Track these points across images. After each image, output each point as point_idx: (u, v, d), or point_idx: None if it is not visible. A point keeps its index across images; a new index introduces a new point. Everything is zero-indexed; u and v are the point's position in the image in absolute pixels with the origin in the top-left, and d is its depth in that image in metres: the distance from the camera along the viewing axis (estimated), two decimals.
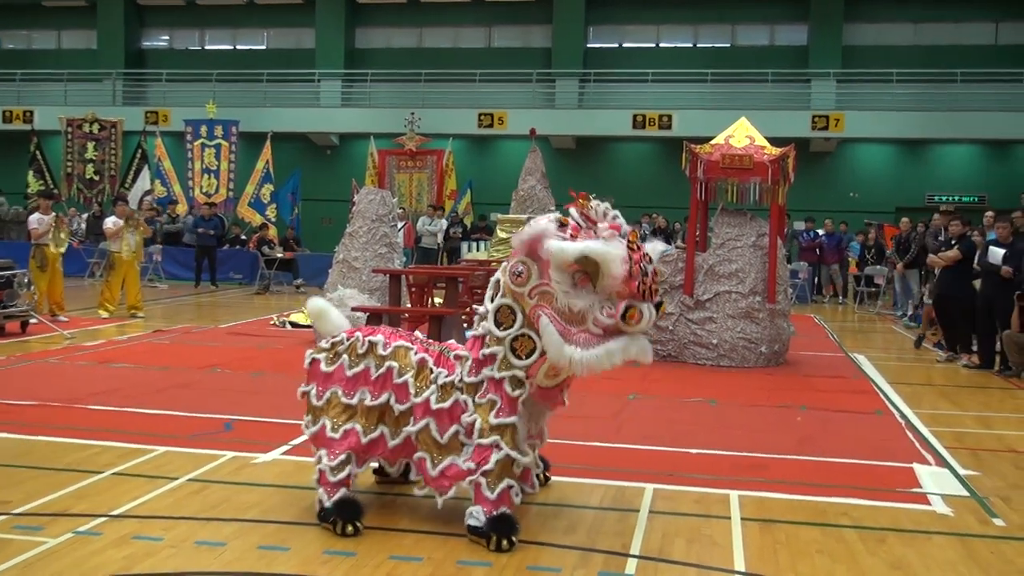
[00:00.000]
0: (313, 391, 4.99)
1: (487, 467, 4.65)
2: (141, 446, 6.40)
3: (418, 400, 4.81)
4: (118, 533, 4.70)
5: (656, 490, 5.70)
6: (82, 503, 5.16)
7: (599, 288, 4.53)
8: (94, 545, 4.56)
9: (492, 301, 4.82)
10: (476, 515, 4.65)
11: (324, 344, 5.08)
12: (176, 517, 4.97)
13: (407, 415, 4.84)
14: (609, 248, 4.48)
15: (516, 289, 4.70)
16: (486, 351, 4.78)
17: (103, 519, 4.91)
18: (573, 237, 4.60)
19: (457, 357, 4.89)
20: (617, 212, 4.74)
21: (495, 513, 4.61)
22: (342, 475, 4.83)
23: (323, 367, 4.98)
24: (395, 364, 4.89)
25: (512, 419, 4.71)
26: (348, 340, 5.00)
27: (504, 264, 4.86)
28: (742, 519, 5.23)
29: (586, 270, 4.53)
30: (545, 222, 4.68)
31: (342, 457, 4.82)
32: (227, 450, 6.38)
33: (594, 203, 4.71)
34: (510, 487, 4.71)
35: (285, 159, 26.25)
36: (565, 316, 4.58)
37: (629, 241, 4.56)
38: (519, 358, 4.70)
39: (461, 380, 4.81)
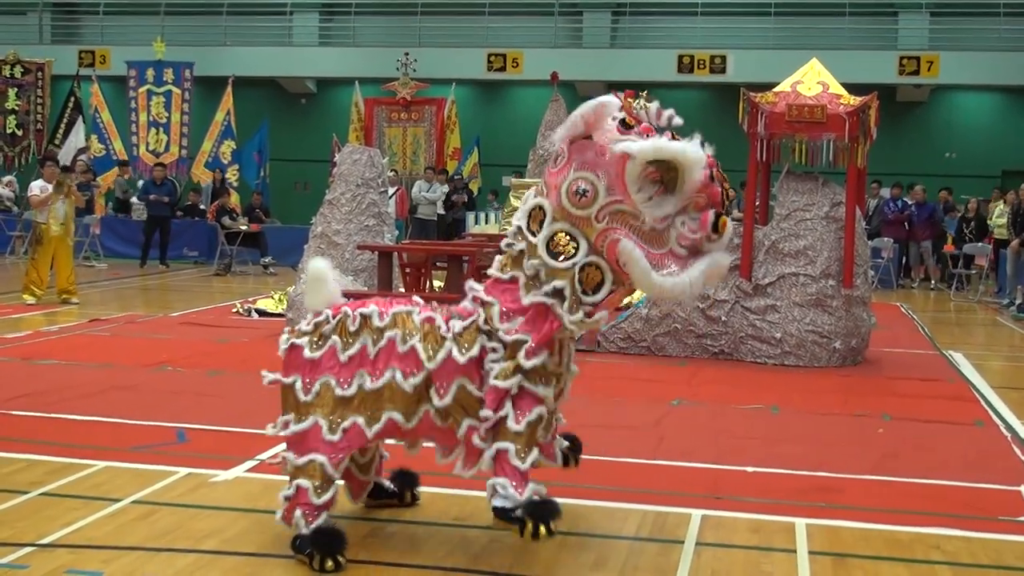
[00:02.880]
0: (298, 383, 4.92)
1: (518, 428, 4.66)
2: (75, 460, 6.42)
3: (433, 365, 4.79)
4: (48, 566, 4.73)
5: (705, 517, 5.71)
6: (4, 530, 5.20)
7: (678, 199, 4.61)
8: None
9: (532, 232, 4.76)
10: (504, 492, 4.62)
11: (304, 326, 5.03)
12: (118, 547, 5.00)
13: (423, 388, 4.81)
14: (688, 148, 4.59)
15: (579, 213, 4.65)
16: (538, 295, 4.76)
17: (29, 549, 4.94)
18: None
19: (484, 303, 4.88)
20: (672, 111, 4.76)
21: (534, 497, 4.61)
22: (327, 496, 4.81)
23: (307, 353, 4.92)
24: (396, 332, 4.87)
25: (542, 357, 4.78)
26: (335, 318, 4.97)
27: (540, 187, 4.82)
28: (810, 553, 5.23)
29: (662, 178, 4.59)
30: (604, 100, 4.69)
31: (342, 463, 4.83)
32: (180, 466, 6.39)
33: (642, 102, 4.75)
34: (536, 459, 4.76)
35: (250, 109, 26.27)
36: (644, 237, 4.61)
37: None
38: (587, 293, 4.70)
39: (493, 328, 4.80)
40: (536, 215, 4.79)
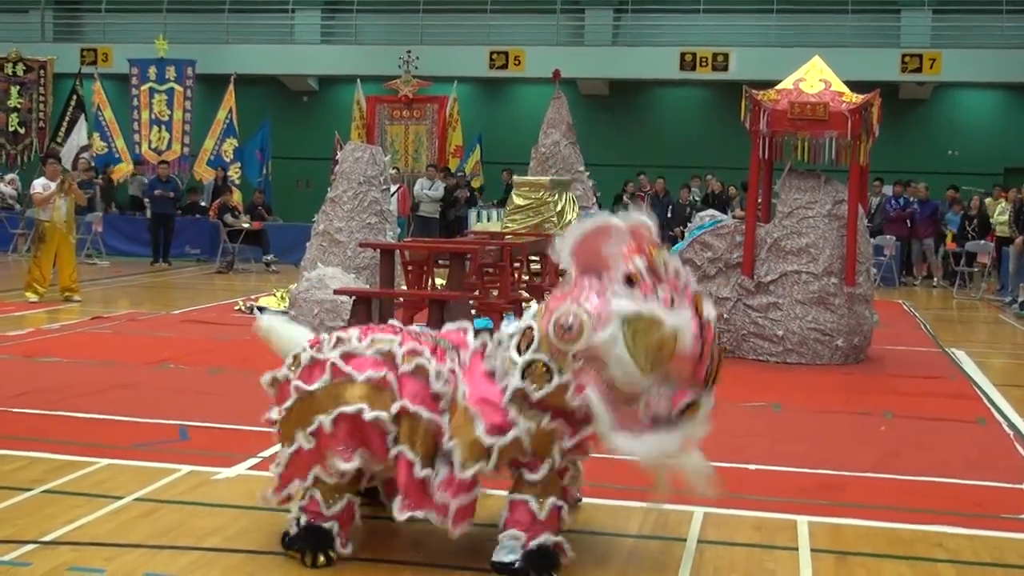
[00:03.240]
0: (275, 411, 4.98)
1: (534, 476, 4.64)
2: (77, 458, 6.43)
3: (405, 368, 4.77)
4: (50, 563, 4.74)
5: (707, 515, 5.71)
6: (6, 527, 5.20)
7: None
8: None
9: (518, 351, 4.69)
10: (512, 543, 4.61)
11: (287, 360, 5.05)
12: (120, 544, 5.00)
13: (387, 388, 4.79)
14: (681, 320, 4.46)
15: (559, 345, 4.56)
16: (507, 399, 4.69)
17: (32, 546, 4.94)
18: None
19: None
20: (689, 274, 4.68)
21: (532, 545, 4.60)
22: (339, 506, 4.80)
23: (285, 378, 4.96)
24: (373, 346, 4.87)
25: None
26: (313, 346, 5.01)
27: (543, 305, 4.77)
28: (812, 550, 5.23)
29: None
30: (613, 227, 4.59)
31: (343, 466, 4.73)
32: (182, 463, 6.41)
33: (664, 256, 4.64)
34: (559, 507, 4.73)
35: (252, 107, 26.25)
36: (612, 391, 4.54)
37: (696, 310, 4.56)
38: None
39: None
40: (527, 335, 4.71)
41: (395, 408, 4.71)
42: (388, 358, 4.82)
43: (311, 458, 4.81)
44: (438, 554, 4.93)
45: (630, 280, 4.54)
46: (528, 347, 4.66)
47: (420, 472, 4.67)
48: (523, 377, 4.61)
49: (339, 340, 4.95)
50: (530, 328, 4.72)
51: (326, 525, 4.80)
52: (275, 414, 4.96)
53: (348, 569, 4.78)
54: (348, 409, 4.71)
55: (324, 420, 4.75)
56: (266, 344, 5.27)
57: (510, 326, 4.88)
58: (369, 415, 4.70)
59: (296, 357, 5.00)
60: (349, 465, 4.73)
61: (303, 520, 4.82)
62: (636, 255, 4.57)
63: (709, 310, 4.60)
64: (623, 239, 4.59)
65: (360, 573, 4.77)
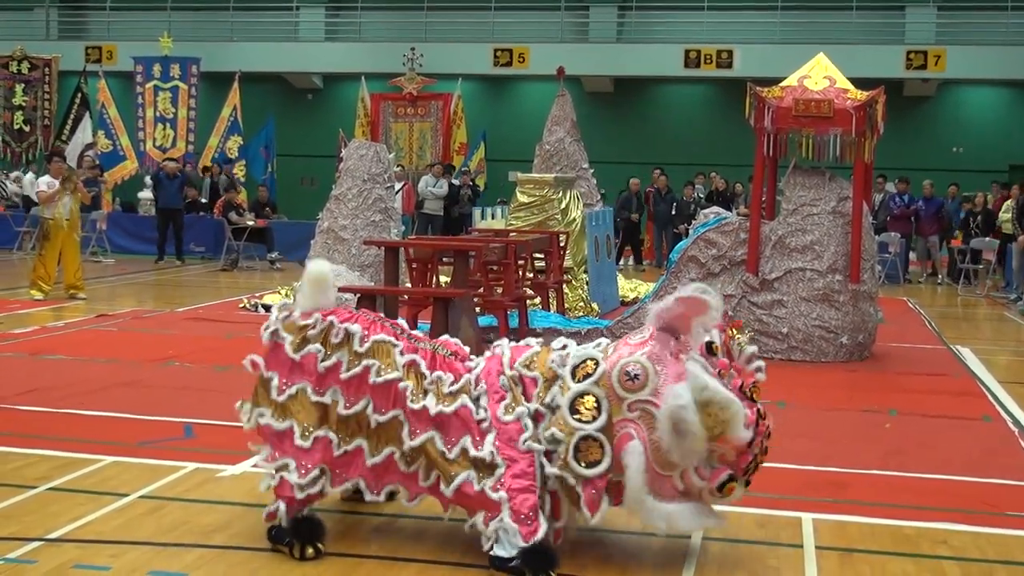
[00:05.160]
0: (275, 380, 4.98)
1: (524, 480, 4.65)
2: (82, 455, 6.45)
3: (415, 406, 4.81)
4: (56, 561, 4.75)
5: None
6: (11, 524, 5.21)
7: (709, 447, 4.61)
8: (26, 575, 4.60)
9: (573, 378, 4.71)
10: (508, 538, 4.62)
11: (299, 320, 5.05)
12: (126, 542, 5.01)
13: (392, 426, 4.84)
14: (741, 406, 4.57)
15: (620, 393, 4.62)
16: (543, 427, 4.72)
17: (37, 544, 4.95)
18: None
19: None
20: (760, 364, 4.80)
21: (529, 543, 4.58)
22: (313, 490, 4.86)
23: (289, 352, 4.98)
24: (373, 363, 4.88)
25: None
26: (320, 325, 5.00)
27: (619, 347, 4.79)
28: (817, 548, 5.23)
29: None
30: (709, 300, 4.65)
31: (315, 472, 4.85)
32: (187, 461, 6.42)
33: (743, 340, 4.81)
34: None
35: (256, 105, 26.30)
36: (656, 452, 4.59)
37: (753, 399, 4.70)
38: (579, 463, 4.63)
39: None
40: (587, 366, 4.74)
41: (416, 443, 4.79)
42: (388, 388, 4.85)
43: (300, 453, 4.87)
44: (440, 551, 4.93)
45: (710, 348, 4.67)
46: (586, 377, 4.70)
47: (449, 488, 4.73)
48: (572, 407, 4.65)
49: (347, 337, 4.94)
50: (593, 360, 4.76)
51: (315, 516, 4.91)
52: (275, 392, 4.98)
53: (351, 566, 4.79)
54: (349, 447, 4.90)
55: (333, 438, 4.89)
56: (310, 286, 5.16)
57: (578, 349, 4.90)
58: (371, 460, 4.89)
59: (303, 331, 4.99)
60: (306, 480, 4.87)
61: (283, 515, 4.85)
62: (718, 331, 4.71)
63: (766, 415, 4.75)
64: (716, 316, 4.68)
65: (362, 570, 4.77)
